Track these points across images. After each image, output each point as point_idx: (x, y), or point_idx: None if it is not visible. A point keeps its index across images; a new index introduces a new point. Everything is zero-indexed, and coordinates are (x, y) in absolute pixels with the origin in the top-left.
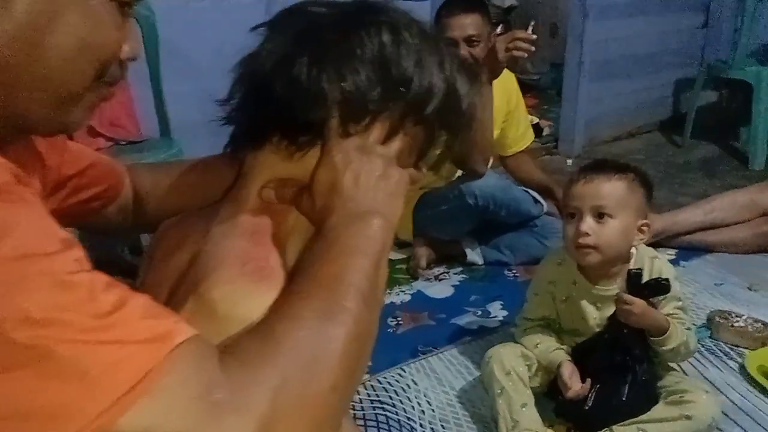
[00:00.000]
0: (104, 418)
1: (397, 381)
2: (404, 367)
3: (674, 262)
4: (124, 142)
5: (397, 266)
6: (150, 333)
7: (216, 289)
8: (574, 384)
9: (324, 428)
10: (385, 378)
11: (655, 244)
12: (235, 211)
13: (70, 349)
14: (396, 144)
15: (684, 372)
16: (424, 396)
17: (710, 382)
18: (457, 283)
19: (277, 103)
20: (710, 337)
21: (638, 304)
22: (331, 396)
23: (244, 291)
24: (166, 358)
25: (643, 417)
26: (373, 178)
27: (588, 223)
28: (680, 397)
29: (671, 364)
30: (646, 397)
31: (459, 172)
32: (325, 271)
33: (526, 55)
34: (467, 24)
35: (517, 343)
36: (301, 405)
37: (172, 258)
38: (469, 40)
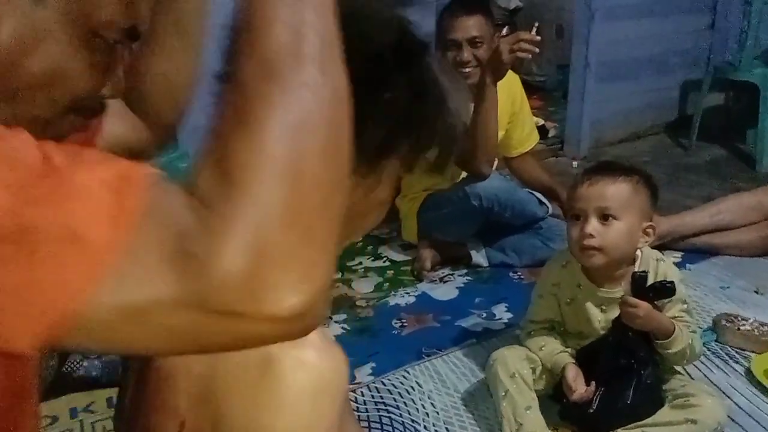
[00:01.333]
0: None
1: (402, 383)
2: (408, 369)
3: (680, 265)
4: None
5: (401, 268)
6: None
7: None
8: (579, 387)
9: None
10: (389, 380)
11: (661, 246)
12: None
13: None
14: None
15: (689, 375)
16: (429, 398)
17: (716, 385)
18: (462, 285)
19: None
20: (716, 341)
21: (643, 306)
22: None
23: None
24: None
25: (648, 421)
26: None
27: (592, 225)
28: (685, 400)
29: (676, 368)
30: (651, 401)
31: (463, 174)
32: (267, 46)
33: (530, 56)
34: (470, 25)
35: (521, 345)
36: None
37: None
38: (473, 42)
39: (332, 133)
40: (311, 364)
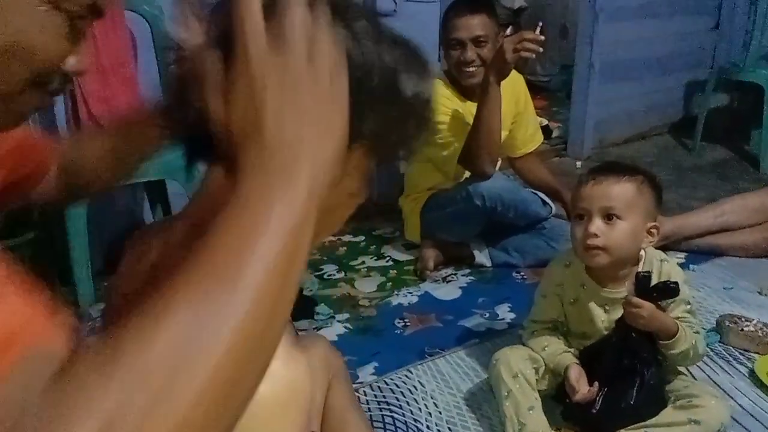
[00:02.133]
0: None
1: (404, 382)
2: (411, 369)
3: (684, 266)
4: None
5: (404, 267)
6: None
7: None
8: (582, 387)
9: None
10: (392, 379)
11: (665, 247)
12: (188, 234)
13: None
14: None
15: (693, 376)
16: (431, 398)
17: (719, 386)
18: (465, 284)
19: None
20: (720, 342)
21: (647, 307)
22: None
23: None
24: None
25: (651, 421)
26: (303, 110)
27: (596, 225)
28: (689, 401)
29: (680, 368)
30: (654, 401)
31: (467, 174)
32: (216, 259)
33: (533, 55)
34: (474, 25)
35: (524, 345)
36: None
37: (135, 269)
38: (477, 41)
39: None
40: (278, 375)
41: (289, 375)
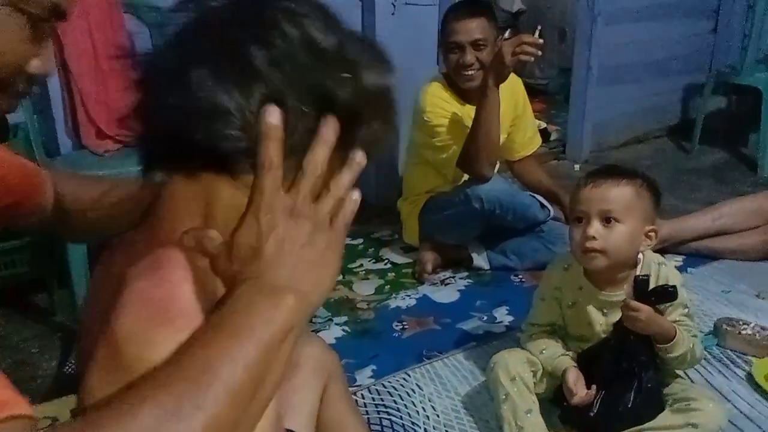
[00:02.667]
0: None
1: (402, 385)
2: (409, 372)
3: (681, 269)
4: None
5: (402, 270)
6: None
7: (121, 336)
8: (579, 390)
9: None
10: (389, 382)
11: (663, 250)
12: (146, 241)
13: None
14: (328, 202)
15: (690, 380)
16: (429, 401)
17: (717, 390)
18: (463, 287)
19: (187, 127)
20: (717, 345)
21: (645, 310)
22: None
23: (146, 338)
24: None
25: (649, 424)
26: (297, 247)
27: (595, 227)
28: (686, 404)
29: (678, 372)
30: (651, 405)
31: (465, 177)
32: (198, 355)
33: (532, 59)
34: (474, 28)
35: (522, 348)
36: None
37: (99, 297)
38: (476, 44)
39: None
40: None
41: None
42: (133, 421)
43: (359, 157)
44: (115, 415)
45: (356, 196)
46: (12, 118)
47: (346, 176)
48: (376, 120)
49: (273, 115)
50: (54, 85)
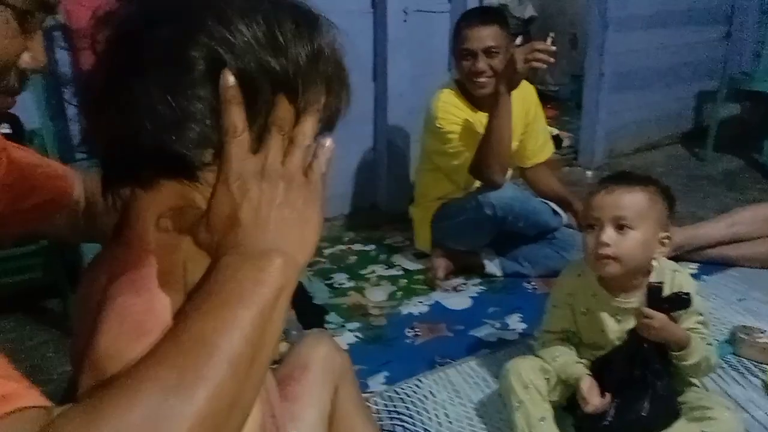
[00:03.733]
0: None
1: (415, 392)
2: (422, 378)
3: (696, 277)
4: None
5: (415, 277)
6: None
7: (103, 355)
8: (593, 399)
9: None
10: (402, 389)
11: (677, 258)
12: (123, 255)
13: None
14: (296, 155)
15: (706, 388)
16: (442, 408)
17: (733, 398)
18: (476, 294)
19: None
20: (733, 353)
21: (658, 318)
22: None
23: (126, 350)
24: (2, 417)
25: None
26: (274, 208)
27: (608, 234)
28: (702, 413)
29: (693, 380)
30: (666, 413)
31: (477, 183)
32: (194, 329)
33: (545, 66)
34: (486, 35)
35: (535, 356)
36: None
37: (84, 308)
38: (488, 52)
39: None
40: None
41: None
42: (135, 400)
43: (317, 102)
44: (116, 395)
45: (329, 143)
46: (27, 124)
47: (307, 123)
48: (325, 81)
49: (228, 78)
50: (69, 90)
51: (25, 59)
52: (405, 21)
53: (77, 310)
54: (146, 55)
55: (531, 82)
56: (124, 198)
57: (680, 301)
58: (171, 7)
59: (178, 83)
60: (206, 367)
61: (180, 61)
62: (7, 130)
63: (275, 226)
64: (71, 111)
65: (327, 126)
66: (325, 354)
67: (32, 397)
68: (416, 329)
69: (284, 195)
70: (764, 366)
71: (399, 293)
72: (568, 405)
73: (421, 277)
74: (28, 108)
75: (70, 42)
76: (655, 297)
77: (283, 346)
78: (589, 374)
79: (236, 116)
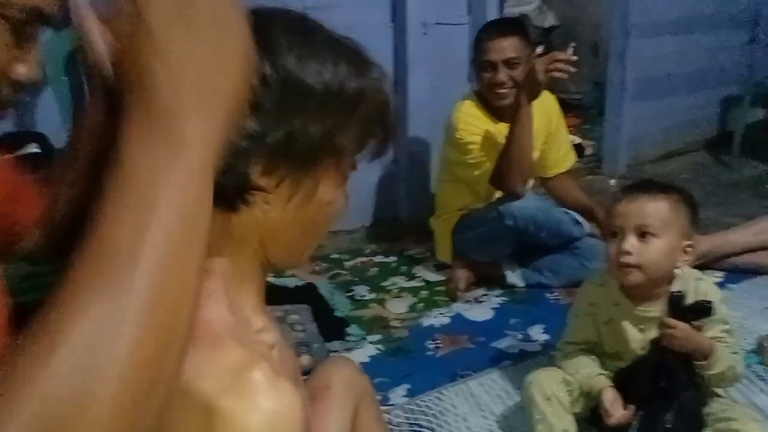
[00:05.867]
0: None
1: (436, 405)
2: (443, 391)
3: (722, 285)
4: None
5: (436, 288)
6: None
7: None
8: (617, 411)
9: None
10: (423, 401)
11: (702, 266)
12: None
13: None
14: None
15: (732, 399)
16: (464, 420)
17: (761, 409)
18: (497, 306)
19: None
20: (760, 363)
21: (681, 327)
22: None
23: (192, 363)
24: None
25: None
26: (181, 48)
27: (631, 242)
28: (727, 425)
29: (718, 390)
30: (691, 425)
31: (498, 194)
32: (113, 239)
33: (566, 76)
34: (506, 47)
35: (558, 367)
36: None
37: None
38: (509, 63)
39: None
40: (263, 407)
41: (274, 406)
42: (66, 341)
43: None
44: (36, 353)
45: None
46: (56, 143)
47: None
48: (369, 123)
49: None
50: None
51: (19, 70)
52: (425, 34)
53: None
54: None
55: (552, 91)
56: None
57: (702, 310)
58: None
59: None
60: (135, 280)
61: None
62: (37, 150)
63: (184, 72)
64: None
65: (374, 156)
66: (346, 375)
67: None
68: (437, 341)
69: (190, 33)
70: None
71: (420, 305)
72: (591, 417)
73: (442, 288)
74: (56, 127)
75: None
76: (677, 306)
77: (306, 359)
78: (611, 386)
79: None
